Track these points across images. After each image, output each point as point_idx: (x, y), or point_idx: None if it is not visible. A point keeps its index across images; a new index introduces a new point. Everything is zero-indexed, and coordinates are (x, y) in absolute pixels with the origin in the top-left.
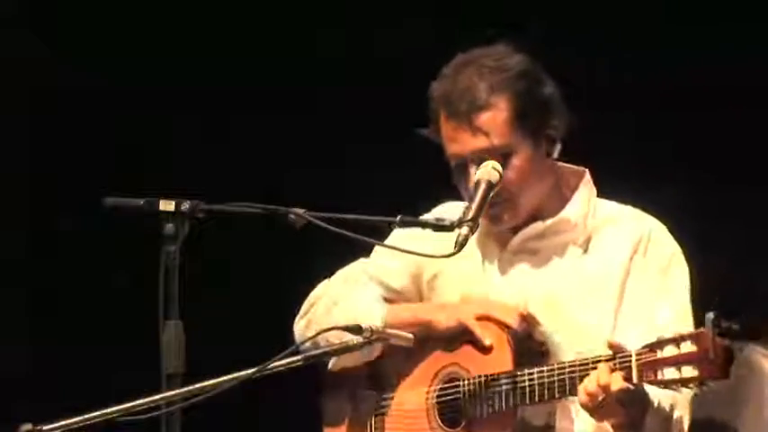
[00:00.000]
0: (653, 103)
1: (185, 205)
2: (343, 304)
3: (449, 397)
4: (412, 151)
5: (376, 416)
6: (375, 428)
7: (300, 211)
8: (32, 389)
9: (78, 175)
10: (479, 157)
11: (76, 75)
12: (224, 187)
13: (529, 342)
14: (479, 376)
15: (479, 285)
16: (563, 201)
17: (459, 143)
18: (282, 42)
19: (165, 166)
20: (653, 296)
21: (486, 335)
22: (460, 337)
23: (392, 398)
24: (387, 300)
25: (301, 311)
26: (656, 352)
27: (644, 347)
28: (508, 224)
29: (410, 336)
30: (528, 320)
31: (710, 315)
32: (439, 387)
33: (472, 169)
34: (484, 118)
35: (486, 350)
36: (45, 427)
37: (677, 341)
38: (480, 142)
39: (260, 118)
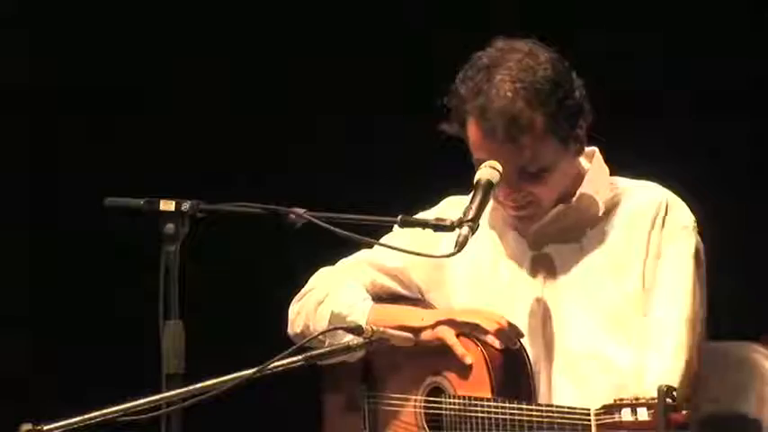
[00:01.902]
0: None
1: (185, 205)
2: (329, 301)
3: (433, 410)
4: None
5: (369, 412)
6: (369, 424)
7: (300, 210)
8: (33, 388)
9: (78, 175)
10: (517, 175)
11: (77, 74)
12: (224, 187)
13: (509, 359)
14: (460, 397)
15: (494, 279)
16: (579, 180)
17: (492, 155)
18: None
19: (165, 166)
20: (664, 272)
21: (467, 354)
22: (443, 348)
23: (384, 396)
24: (383, 284)
25: (298, 295)
26: (614, 414)
27: (603, 408)
28: (534, 222)
29: (410, 336)
30: (512, 332)
31: (662, 387)
32: (424, 398)
33: (505, 183)
34: (523, 140)
35: (466, 369)
36: (45, 427)
37: (634, 407)
38: (517, 160)
39: (258, 118)
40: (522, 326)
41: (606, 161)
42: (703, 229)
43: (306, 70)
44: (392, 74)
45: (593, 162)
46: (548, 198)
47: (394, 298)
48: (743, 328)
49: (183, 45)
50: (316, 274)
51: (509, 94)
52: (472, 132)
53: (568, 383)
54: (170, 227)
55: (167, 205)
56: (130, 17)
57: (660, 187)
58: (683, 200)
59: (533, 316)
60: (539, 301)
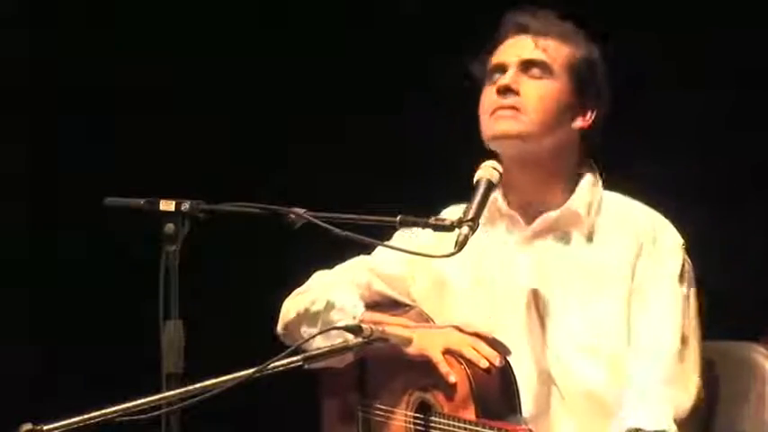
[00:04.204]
0: None
1: (185, 205)
2: (320, 304)
3: (422, 428)
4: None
5: (363, 421)
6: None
7: (300, 210)
8: (33, 389)
9: (78, 175)
10: (524, 65)
11: (77, 75)
12: (225, 187)
13: (494, 378)
14: (448, 417)
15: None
16: (569, 192)
17: (514, 49)
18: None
19: (165, 166)
20: (651, 299)
21: (451, 372)
22: (428, 365)
23: (376, 407)
24: (379, 290)
25: (292, 294)
26: None
27: None
28: (508, 136)
29: (410, 336)
30: (498, 350)
31: (632, 429)
32: (413, 414)
33: (511, 70)
34: (551, 43)
35: (451, 387)
36: (45, 427)
37: None
38: (535, 53)
39: (258, 117)
40: (517, 337)
41: (605, 181)
42: (702, 228)
43: (306, 70)
44: (392, 74)
45: (585, 174)
46: (532, 108)
47: (390, 303)
48: (743, 328)
49: (182, 45)
50: (313, 275)
51: (554, 19)
52: (503, 43)
53: (555, 400)
54: (170, 227)
55: (167, 205)
56: (130, 17)
57: (647, 209)
58: (687, 210)
59: (520, 333)
60: (524, 320)
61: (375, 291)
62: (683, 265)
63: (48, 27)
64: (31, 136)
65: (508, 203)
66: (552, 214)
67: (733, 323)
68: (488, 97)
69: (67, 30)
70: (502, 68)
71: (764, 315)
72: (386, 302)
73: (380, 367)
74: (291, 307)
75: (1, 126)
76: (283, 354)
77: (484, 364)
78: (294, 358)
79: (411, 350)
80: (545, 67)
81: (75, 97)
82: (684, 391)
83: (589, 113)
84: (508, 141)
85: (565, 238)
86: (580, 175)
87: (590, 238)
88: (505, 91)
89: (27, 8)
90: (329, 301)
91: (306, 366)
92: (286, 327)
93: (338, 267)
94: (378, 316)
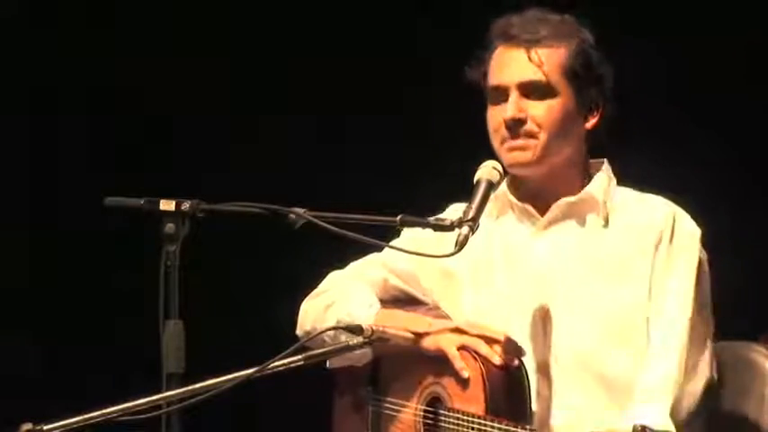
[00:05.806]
0: None
1: (185, 205)
2: (337, 306)
3: (431, 421)
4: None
5: (373, 415)
6: (371, 427)
7: (301, 210)
8: (33, 388)
9: (78, 175)
10: (524, 89)
11: (77, 75)
12: (225, 187)
13: (507, 377)
14: (456, 412)
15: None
16: (581, 179)
17: (509, 70)
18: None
19: (165, 166)
20: (669, 284)
21: (465, 368)
22: (444, 359)
23: (388, 400)
24: (395, 285)
25: (310, 295)
26: None
27: None
28: (523, 165)
29: (410, 335)
30: (512, 350)
31: (637, 426)
32: (424, 408)
33: (512, 96)
34: (542, 52)
35: (464, 382)
36: (45, 427)
37: None
38: (531, 73)
39: (258, 117)
40: (523, 331)
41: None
42: (704, 228)
43: (306, 70)
44: (391, 74)
45: (601, 170)
46: (542, 129)
47: (408, 299)
48: (743, 328)
49: (183, 45)
50: (329, 276)
51: (542, 19)
52: (496, 54)
53: (569, 388)
54: (170, 227)
55: (167, 205)
56: (130, 17)
57: (666, 201)
58: (687, 211)
59: (533, 322)
60: (539, 307)
61: (391, 285)
62: (697, 254)
63: (48, 27)
64: (31, 136)
65: (519, 196)
66: (571, 199)
67: (732, 322)
68: (495, 120)
69: (67, 30)
70: (502, 91)
71: (764, 315)
72: (404, 298)
73: (395, 362)
74: (309, 309)
75: (1, 126)
76: (283, 354)
77: (498, 360)
78: (294, 358)
79: (426, 345)
80: (545, 88)
81: (75, 97)
82: (692, 389)
83: (595, 105)
84: (525, 169)
85: (582, 223)
86: (593, 166)
87: (606, 225)
88: (512, 123)
89: (27, 8)
90: (345, 302)
91: (328, 366)
92: (304, 328)
93: (353, 265)
94: (392, 314)
